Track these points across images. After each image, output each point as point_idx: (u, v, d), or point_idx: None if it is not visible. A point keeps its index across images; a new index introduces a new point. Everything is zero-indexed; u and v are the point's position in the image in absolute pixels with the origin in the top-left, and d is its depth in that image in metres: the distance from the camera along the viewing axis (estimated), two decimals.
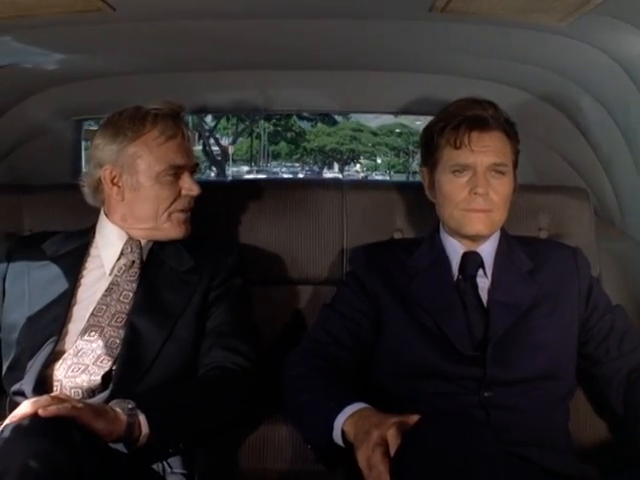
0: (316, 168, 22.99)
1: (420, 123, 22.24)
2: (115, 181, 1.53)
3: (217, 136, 21.04)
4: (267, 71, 2.01)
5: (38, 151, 2.10)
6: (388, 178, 19.90)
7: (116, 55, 1.84)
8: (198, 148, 19.15)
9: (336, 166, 23.17)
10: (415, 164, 22.12)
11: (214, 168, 19.88)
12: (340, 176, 19.05)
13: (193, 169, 1.59)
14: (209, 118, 19.44)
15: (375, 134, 23.41)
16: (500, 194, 1.48)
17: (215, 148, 20.82)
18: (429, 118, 1.58)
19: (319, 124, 21.96)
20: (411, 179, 19.50)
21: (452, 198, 1.49)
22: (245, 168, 21.06)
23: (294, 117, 20.90)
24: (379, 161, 24.06)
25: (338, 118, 21.60)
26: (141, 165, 1.52)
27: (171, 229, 1.56)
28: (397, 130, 23.24)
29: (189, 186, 1.55)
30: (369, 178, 18.49)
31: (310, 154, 23.55)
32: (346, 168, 23.26)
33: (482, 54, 1.80)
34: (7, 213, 1.80)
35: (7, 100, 1.94)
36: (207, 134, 20.63)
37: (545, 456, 1.39)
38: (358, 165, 23.62)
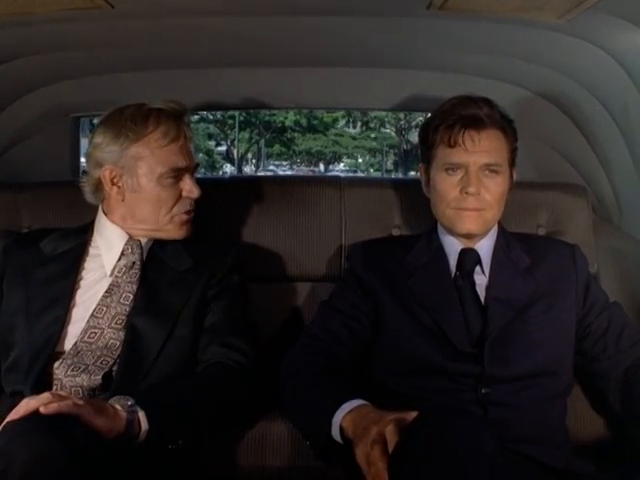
0: (303, 167, 26.35)
1: (388, 131, 24.58)
2: (115, 181, 1.52)
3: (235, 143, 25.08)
4: (266, 68, 2.01)
5: (36, 148, 2.10)
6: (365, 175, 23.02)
7: (115, 52, 1.83)
8: (223, 149, 24.58)
9: (322, 165, 26.70)
10: (389, 163, 25.21)
11: (230, 166, 24.43)
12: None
13: (194, 170, 1.57)
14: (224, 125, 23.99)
15: (354, 138, 26.22)
16: (493, 193, 1.48)
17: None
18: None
19: (307, 134, 25.59)
20: (385, 176, 22.29)
21: (444, 196, 1.49)
22: (254, 168, 25.74)
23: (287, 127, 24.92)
24: (360, 160, 27.00)
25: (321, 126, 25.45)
26: (142, 167, 1.50)
27: (173, 230, 1.56)
28: (372, 135, 26.03)
29: (190, 188, 1.54)
30: (351, 174, 21.62)
31: (299, 155, 26.57)
32: (330, 167, 26.41)
33: (480, 51, 1.79)
34: (5, 211, 1.80)
35: (5, 97, 1.94)
36: (229, 142, 24.54)
37: (542, 452, 1.39)
38: (342, 164, 26.89)
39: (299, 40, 1.79)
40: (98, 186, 1.55)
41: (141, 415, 1.24)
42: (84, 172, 1.60)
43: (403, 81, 2.05)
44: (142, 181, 1.51)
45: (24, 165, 2.06)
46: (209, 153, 24.33)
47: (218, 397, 1.41)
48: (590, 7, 1.35)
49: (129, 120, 1.50)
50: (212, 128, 24.39)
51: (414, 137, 22.54)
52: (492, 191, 1.48)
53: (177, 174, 1.53)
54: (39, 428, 1.07)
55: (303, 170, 25.22)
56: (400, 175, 23.07)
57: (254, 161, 26.03)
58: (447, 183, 1.49)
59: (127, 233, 1.55)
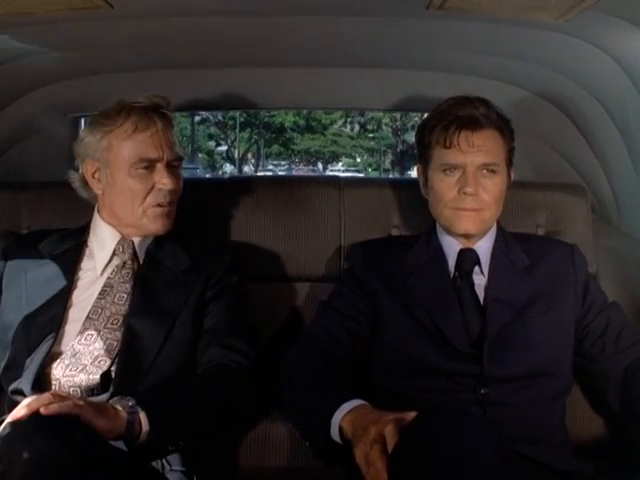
0: (302, 166, 27.10)
1: (385, 130, 25.24)
2: (95, 176, 1.53)
3: (235, 144, 26.03)
4: (266, 68, 2.01)
5: (36, 148, 2.10)
6: (363, 175, 23.48)
7: (113, 52, 1.83)
8: (223, 148, 25.63)
9: (320, 165, 27.49)
10: (387, 162, 25.91)
11: (229, 166, 25.64)
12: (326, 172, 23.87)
13: (173, 163, 1.55)
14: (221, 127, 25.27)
15: (352, 138, 26.90)
16: (491, 193, 1.48)
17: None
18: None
19: (306, 134, 26.39)
20: (383, 175, 22.97)
21: (442, 197, 1.49)
22: (253, 168, 26.64)
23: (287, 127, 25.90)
24: (358, 160, 27.64)
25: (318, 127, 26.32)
26: (112, 158, 1.51)
27: (149, 225, 1.54)
28: (370, 135, 26.62)
29: (162, 179, 1.52)
30: (349, 173, 22.18)
31: (297, 155, 27.26)
32: (329, 167, 27.11)
33: (479, 51, 1.80)
34: (5, 211, 1.80)
35: (4, 97, 1.94)
36: (230, 143, 25.43)
37: (541, 452, 1.39)
38: (340, 164, 27.55)
39: (297, 40, 1.79)
40: (86, 182, 1.56)
41: (142, 416, 1.24)
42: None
43: (402, 81, 2.06)
44: (114, 173, 1.51)
45: (24, 165, 2.06)
46: (210, 153, 25.00)
47: (219, 399, 1.41)
48: (589, 7, 1.35)
49: (104, 115, 1.53)
50: (212, 129, 25.05)
51: (410, 138, 22.82)
52: (490, 191, 1.47)
53: (148, 165, 1.51)
54: (40, 429, 1.07)
55: (303, 169, 25.83)
56: (397, 175, 23.32)
57: (253, 161, 26.53)
58: (444, 184, 1.49)
59: (119, 232, 1.55)
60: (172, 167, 1.55)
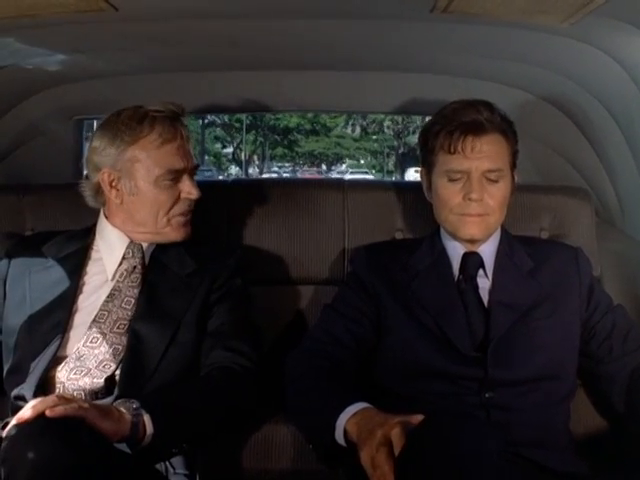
0: (306, 167, 27.77)
1: (388, 131, 25.69)
2: (114, 184, 1.51)
3: (241, 146, 26.82)
4: (268, 71, 2.01)
5: (40, 150, 2.10)
6: (369, 176, 23.66)
7: (118, 55, 1.84)
8: (229, 150, 26.46)
9: (324, 166, 28.14)
10: (391, 164, 26.33)
11: (235, 167, 26.42)
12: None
13: (193, 171, 1.56)
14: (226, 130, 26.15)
15: (355, 140, 27.42)
16: (496, 198, 1.47)
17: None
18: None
19: (310, 136, 26.98)
20: (386, 177, 23.10)
21: (447, 203, 1.49)
22: (257, 170, 27.27)
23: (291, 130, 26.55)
24: (362, 161, 28.27)
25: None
26: (139, 169, 1.50)
27: (171, 233, 1.55)
28: (373, 137, 27.20)
29: (189, 189, 1.53)
30: (353, 175, 22.52)
31: (302, 157, 27.87)
32: (333, 168, 27.64)
33: (484, 55, 1.80)
34: (9, 213, 1.80)
35: (9, 99, 1.94)
36: (236, 145, 26.06)
37: (546, 456, 1.39)
38: (344, 165, 28.16)
39: (301, 44, 1.79)
40: (98, 190, 1.54)
41: (146, 418, 1.24)
42: (87, 176, 1.60)
43: (405, 84, 2.06)
44: (140, 184, 1.50)
45: (28, 167, 2.07)
46: (216, 155, 25.35)
47: (223, 401, 1.41)
48: (593, 11, 1.35)
49: (125, 123, 1.50)
50: (219, 131, 25.52)
51: (411, 140, 22.92)
52: (495, 196, 1.47)
53: (175, 175, 1.52)
54: (45, 431, 1.07)
55: (309, 171, 26.19)
56: (399, 176, 23.38)
57: (257, 162, 26.70)
58: (449, 190, 1.48)
59: (128, 237, 1.55)
60: (192, 175, 1.56)
